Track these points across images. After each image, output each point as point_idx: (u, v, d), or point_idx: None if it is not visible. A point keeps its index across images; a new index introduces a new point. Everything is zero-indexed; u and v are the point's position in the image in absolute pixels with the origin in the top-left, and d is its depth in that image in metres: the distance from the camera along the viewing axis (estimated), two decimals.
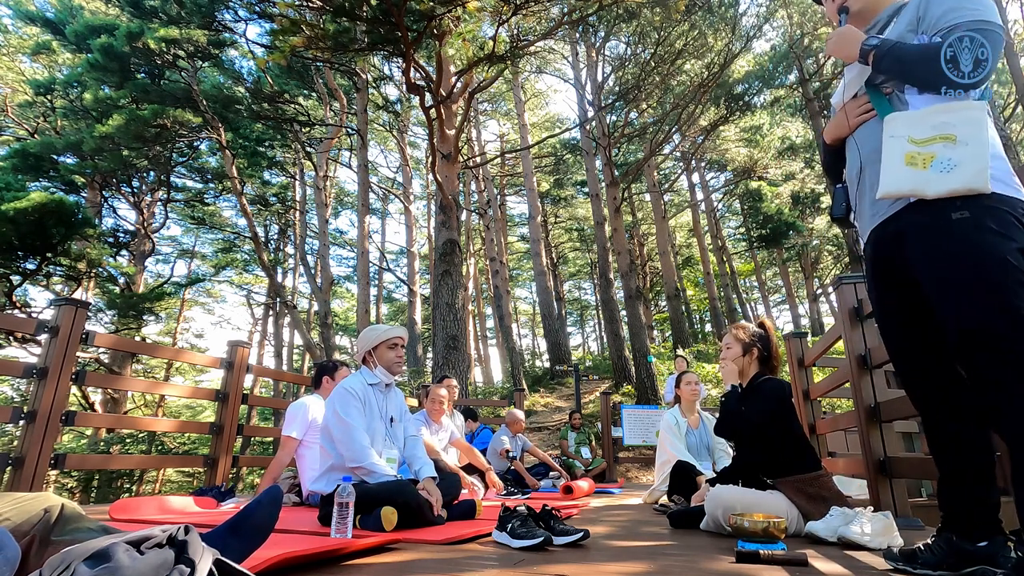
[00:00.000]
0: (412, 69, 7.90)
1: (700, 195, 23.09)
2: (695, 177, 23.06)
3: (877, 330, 1.67)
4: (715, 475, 2.61)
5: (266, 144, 16.92)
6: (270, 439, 12.85)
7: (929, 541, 1.44)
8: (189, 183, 18.58)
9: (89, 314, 3.90)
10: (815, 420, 4.08)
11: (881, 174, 1.41)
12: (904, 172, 1.36)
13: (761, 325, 2.58)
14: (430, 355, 18.11)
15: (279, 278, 21.59)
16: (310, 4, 8.06)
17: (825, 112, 14.81)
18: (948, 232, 1.31)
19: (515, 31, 9.57)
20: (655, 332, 26.55)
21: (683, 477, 3.28)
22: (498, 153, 22.88)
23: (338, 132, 16.35)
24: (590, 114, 14.27)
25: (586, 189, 19.26)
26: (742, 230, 24.09)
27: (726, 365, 2.54)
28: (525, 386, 13.49)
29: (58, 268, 10.87)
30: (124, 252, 15.77)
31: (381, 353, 2.76)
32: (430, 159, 9.72)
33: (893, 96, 1.51)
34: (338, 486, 1.98)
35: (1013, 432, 1.25)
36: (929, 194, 1.33)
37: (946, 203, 1.31)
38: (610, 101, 14.14)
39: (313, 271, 17.49)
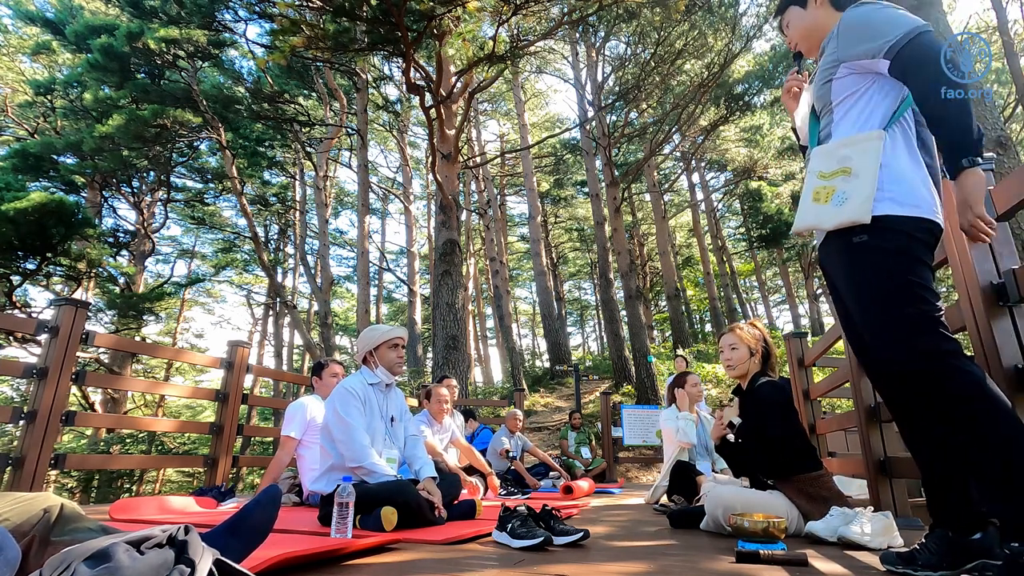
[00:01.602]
0: (412, 69, 7.90)
1: (700, 195, 23.09)
2: (695, 177, 23.07)
3: None
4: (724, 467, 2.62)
5: (266, 144, 16.92)
6: (270, 439, 12.85)
7: (924, 540, 1.44)
8: (189, 183, 18.58)
9: (89, 314, 3.90)
10: (815, 420, 4.08)
11: (798, 210, 1.58)
12: (810, 208, 1.52)
13: (752, 326, 2.59)
14: (430, 355, 18.10)
15: (279, 278, 21.60)
16: (310, 4, 8.06)
17: None
18: (850, 254, 1.45)
19: (515, 31, 9.57)
20: (655, 332, 26.56)
21: (683, 477, 3.28)
22: (498, 153, 22.88)
23: (338, 132, 16.35)
24: (590, 114, 14.27)
25: (586, 189, 19.26)
26: (742, 230, 24.09)
27: (734, 367, 2.54)
28: (525, 386, 13.49)
29: (58, 268, 10.87)
30: (124, 252, 15.77)
31: (382, 353, 2.76)
32: (430, 159, 9.72)
33: (824, 124, 1.62)
34: (338, 486, 1.99)
35: (933, 432, 1.38)
36: (825, 227, 1.49)
37: (848, 230, 1.44)
38: (610, 101, 14.14)
39: (313, 271, 17.49)
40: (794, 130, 1.90)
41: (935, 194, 1.44)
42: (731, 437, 2.42)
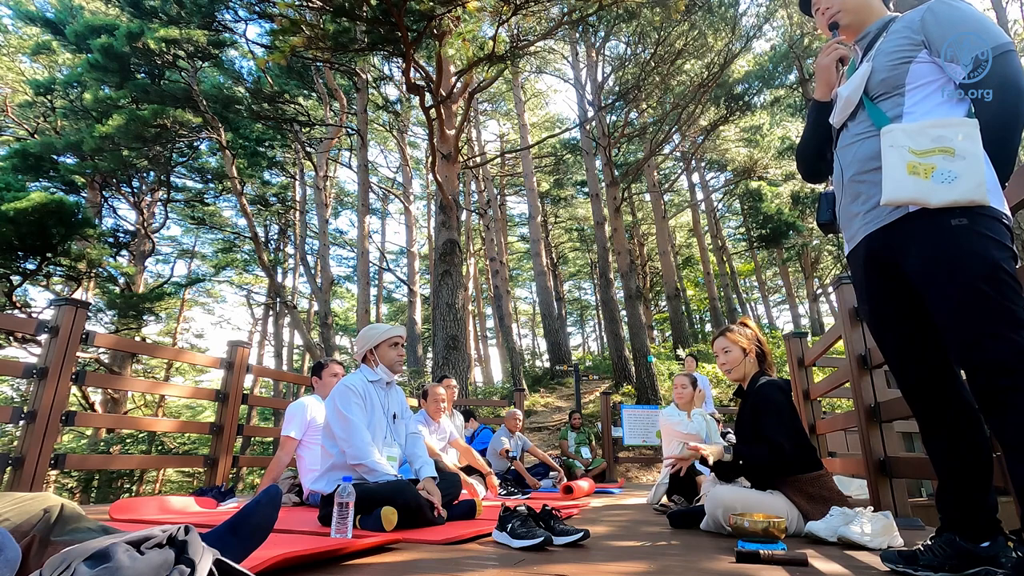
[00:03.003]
0: (412, 69, 7.90)
1: (700, 195, 23.09)
2: (695, 177, 23.06)
3: None
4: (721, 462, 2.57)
5: (266, 144, 16.92)
6: (270, 439, 12.85)
7: (928, 542, 1.44)
8: (189, 183, 18.58)
9: (89, 314, 3.90)
10: (815, 420, 4.08)
11: (884, 181, 1.45)
12: (908, 180, 1.40)
13: (744, 324, 2.59)
14: (430, 355, 18.10)
15: (279, 278, 21.60)
16: (310, 4, 8.05)
17: None
18: (948, 238, 1.36)
19: (515, 31, 9.57)
20: (655, 332, 26.56)
21: (683, 477, 3.28)
22: (498, 153, 22.87)
23: (338, 132, 16.35)
24: (590, 114, 14.27)
25: (586, 189, 19.26)
26: (742, 230, 24.10)
27: (731, 370, 2.53)
28: (525, 386, 13.48)
29: (58, 268, 10.87)
30: (124, 252, 15.77)
31: (383, 352, 2.76)
32: (430, 159, 9.71)
33: (891, 107, 1.53)
34: (338, 486, 1.98)
35: (1010, 434, 1.27)
36: (932, 203, 1.38)
37: (945, 211, 1.37)
38: (610, 101, 14.14)
39: (313, 271, 17.49)
40: (818, 102, 1.76)
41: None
42: (727, 457, 2.37)
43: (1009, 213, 1.39)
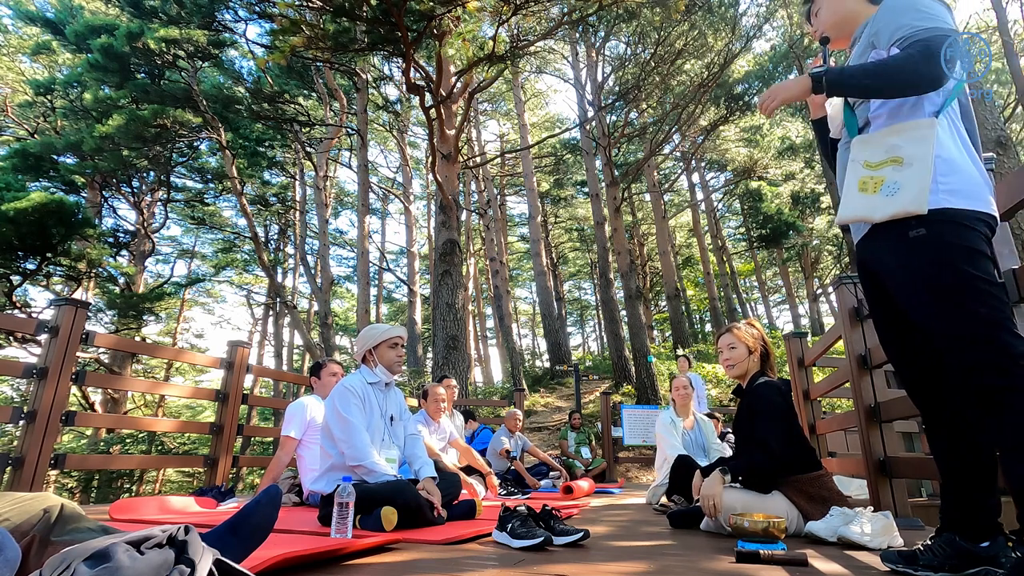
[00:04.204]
0: (412, 69, 7.90)
1: (700, 195, 23.09)
2: (695, 177, 23.06)
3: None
4: (709, 464, 2.57)
5: (266, 144, 16.92)
6: (270, 439, 12.85)
7: (928, 542, 1.44)
8: (189, 183, 18.58)
9: (89, 314, 3.90)
10: (815, 420, 4.08)
11: (841, 200, 1.50)
12: (856, 199, 1.44)
13: (751, 325, 2.59)
14: (430, 355, 18.10)
15: (279, 278, 21.59)
16: (310, 4, 8.05)
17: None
18: (909, 250, 1.36)
19: (515, 31, 9.57)
20: (655, 332, 26.56)
21: (683, 476, 3.27)
22: (498, 153, 22.87)
23: (338, 132, 16.35)
24: (590, 114, 14.27)
25: (586, 189, 19.25)
26: (742, 230, 24.10)
27: (734, 366, 2.54)
28: (525, 386, 13.48)
29: (58, 268, 10.87)
30: (124, 252, 15.77)
31: (382, 352, 2.76)
32: (430, 159, 9.71)
33: (863, 112, 1.56)
34: (338, 486, 1.98)
35: (1006, 434, 1.28)
36: (876, 219, 1.40)
37: (902, 222, 1.37)
38: (610, 101, 14.14)
39: (313, 271, 17.49)
40: (814, 123, 1.82)
41: (989, 185, 1.39)
42: (728, 480, 2.35)
43: (984, 207, 1.35)
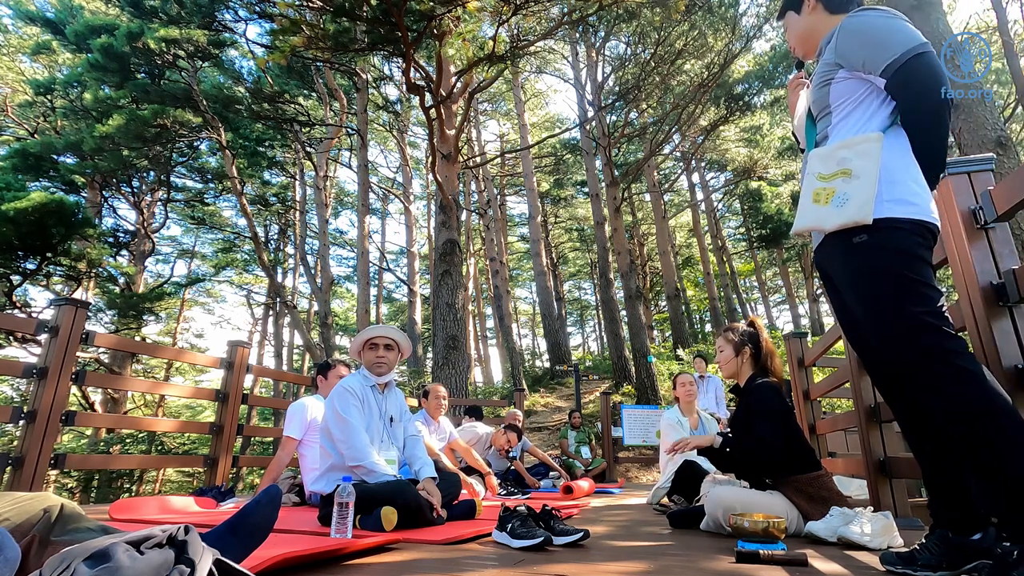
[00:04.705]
0: (412, 69, 7.90)
1: (700, 195, 23.08)
2: (695, 177, 23.06)
3: None
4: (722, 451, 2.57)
5: (266, 144, 16.91)
6: (270, 439, 12.85)
7: (924, 541, 1.45)
8: (189, 183, 18.58)
9: (89, 314, 3.90)
10: (815, 420, 4.08)
11: (797, 211, 1.60)
12: (809, 209, 1.54)
13: (751, 324, 2.59)
14: (430, 355, 18.09)
15: (279, 278, 21.59)
16: (310, 4, 8.05)
17: None
18: (851, 255, 1.47)
19: (515, 31, 9.57)
20: (655, 332, 26.55)
21: (687, 478, 3.27)
22: (498, 153, 22.86)
23: (338, 132, 16.35)
24: (590, 114, 14.27)
25: (586, 189, 19.25)
26: (742, 230, 24.10)
27: (722, 368, 2.57)
28: (525, 386, 13.49)
29: (58, 268, 10.86)
30: (124, 252, 15.77)
31: (364, 355, 2.79)
32: (430, 159, 9.71)
33: (823, 126, 1.64)
34: (338, 486, 1.98)
35: (936, 431, 1.38)
36: (826, 229, 1.50)
37: (848, 231, 1.46)
38: (610, 101, 14.13)
39: (313, 271, 17.49)
40: (794, 133, 1.92)
41: (930, 195, 1.47)
42: (718, 443, 2.41)
43: (924, 216, 1.42)
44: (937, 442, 1.48)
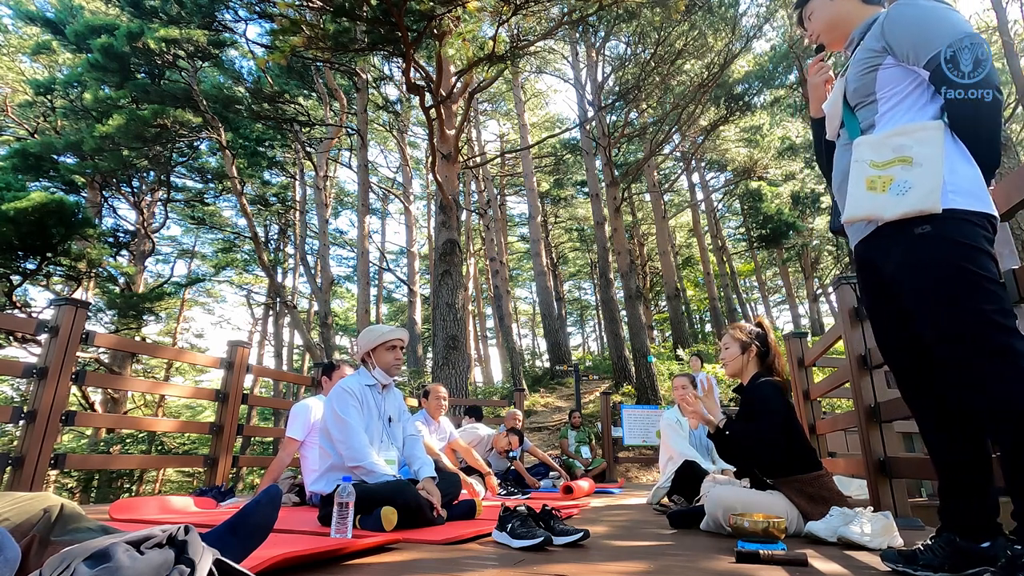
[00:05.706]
0: (412, 69, 7.90)
1: (700, 195, 23.08)
2: (695, 177, 23.06)
3: None
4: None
5: (266, 144, 16.92)
6: (270, 439, 12.85)
7: (928, 542, 1.44)
8: (189, 183, 18.58)
9: (89, 314, 3.90)
10: (815, 420, 4.08)
11: (847, 199, 1.50)
12: (865, 197, 1.45)
13: (759, 324, 2.59)
14: (430, 355, 18.10)
15: (279, 278, 21.59)
16: (310, 4, 8.05)
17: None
18: (914, 247, 1.38)
19: (515, 31, 9.57)
20: (655, 332, 26.55)
21: (687, 478, 3.28)
22: (498, 153, 22.86)
23: (338, 132, 16.34)
24: (590, 114, 14.27)
25: (586, 189, 19.25)
26: (742, 230, 24.09)
27: (727, 365, 2.55)
28: (525, 386, 13.49)
29: (58, 268, 10.86)
30: (124, 252, 15.77)
31: (380, 355, 2.74)
32: (430, 159, 9.71)
33: (867, 115, 1.56)
34: (338, 486, 1.98)
35: (997, 430, 1.30)
36: (886, 217, 1.41)
37: (909, 221, 1.38)
38: (610, 101, 14.13)
39: (313, 271, 17.49)
40: (813, 120, 1.83)
41: (987, 188, 1.41)
42: (721, 423, 2.39)
43: (987, 208, 1.37)
44: (976, 442, 1.44)
